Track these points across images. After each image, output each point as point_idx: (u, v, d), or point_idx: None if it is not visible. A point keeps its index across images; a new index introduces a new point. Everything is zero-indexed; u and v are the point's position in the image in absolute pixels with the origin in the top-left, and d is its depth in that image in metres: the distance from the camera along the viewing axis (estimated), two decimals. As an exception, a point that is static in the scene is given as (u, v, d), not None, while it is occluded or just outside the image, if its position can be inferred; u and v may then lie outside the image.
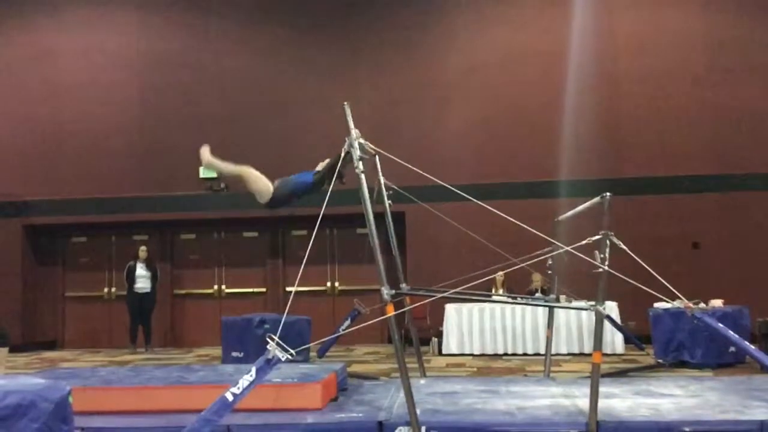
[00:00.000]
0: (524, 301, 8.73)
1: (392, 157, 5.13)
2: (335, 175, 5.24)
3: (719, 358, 8.06)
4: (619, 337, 9.69)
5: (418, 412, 4.43)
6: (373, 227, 4.73)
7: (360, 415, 4.88)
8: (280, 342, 3.97)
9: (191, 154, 12.35)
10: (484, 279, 5.74)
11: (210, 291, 13.17)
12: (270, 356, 3.96)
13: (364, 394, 5.79)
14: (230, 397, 3.82)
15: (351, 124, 5.00)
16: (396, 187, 6.68)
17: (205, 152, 5.53)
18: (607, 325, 8.73)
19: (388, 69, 12.50)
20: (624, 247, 4.95)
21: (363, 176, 4.82)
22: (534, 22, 12.30)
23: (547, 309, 8.23)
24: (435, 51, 12.43)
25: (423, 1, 12.54)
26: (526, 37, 12.25)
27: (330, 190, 5.04)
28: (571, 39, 11.85)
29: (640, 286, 4.88)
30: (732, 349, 7.95)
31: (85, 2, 13.21)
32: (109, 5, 13.16)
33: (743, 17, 11.91)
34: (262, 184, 5.48)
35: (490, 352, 10.05)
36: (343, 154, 4.98)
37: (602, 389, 4.61)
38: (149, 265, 12.18)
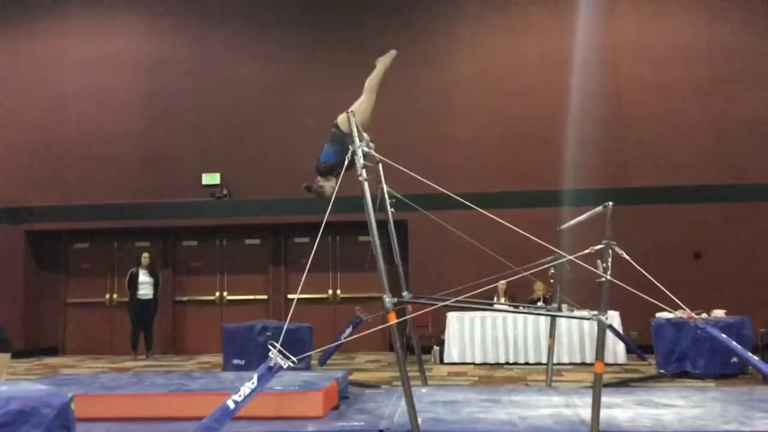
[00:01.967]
0: (526, 309, 8.72)
1: (395, 165, 5.14)
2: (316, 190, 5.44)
3: (722, 369, 8.03)
4: (621, 347, 9.66)
5: (419, 420, 4.42)
6: (376, 235, 4.73)
7: (361, 423, 4.87)
8: (282, 349, 3.97)
9: (195, 161, 12.63)
10: (486, 287, 5.74)
11: (211, 298, 13.17)
12: (271, 363, 3.96)
13: (366, 402, 5.79)
14: (231, 405, 3.82)
15: (356, 132, 5.02)
16: (399, 195, 6.70)
17: (393, 55, 5.80)
18: (609, 335, 8.71)
19: (393, 76, 12.39)
20: (626, 257, 4.95)
21: (366, 184, 4.83)
22: (538, 31, 12.33)
23: (549, 318, 8.22)
24: (439, 59, 12.46)
25: (427, 10, 12.57)
26: (530, 45, 12.27)
27: (333, 198, 5.07)
28: (575, 48, 11.87)
29: (642, 295, 4.87)
30: (734, 359, 7.92)
31: (91, 10, 13.27)
32: (114, 13, 13.22)
33: (747, 27, 11.92)
34: (365, 109, 5.56)
35: (491, 360, 10.02)
36: (346, 162, 5.01)
37: (604, 399, 4.60)
38: (151, 271, 12.18)
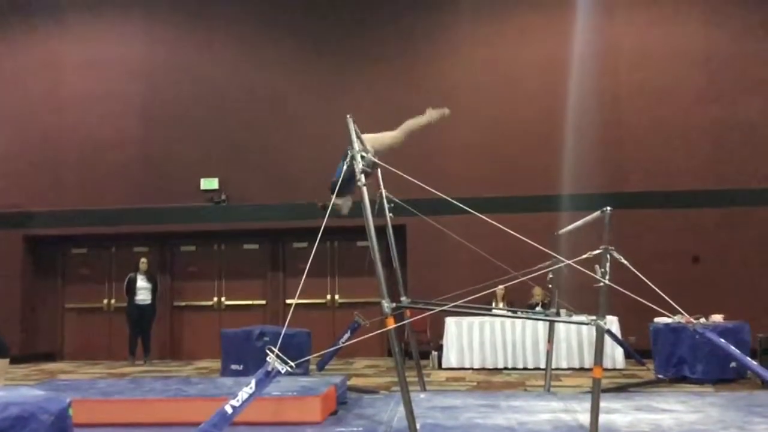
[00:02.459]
0: (524, 314, 8.72)
1: (394, 170, 5.14)
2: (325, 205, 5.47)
3: (720, 374, 8.03)
4: (619, 352, 9.65)
5: (418, 426, 4.42)
6: (374, 240, 4.73)
7: (359, 429, 4.87)
8: (280, 354, 3.96)
9: (193, 166, 12.63)
10: (484, 292, 5.74)
11: (210, 303, 13.15)
12: (269, 369, 3.95)
13: (364, 407, 5.79)
14: (229, 410, 3.81)
15: (354, 137, 5.03)
16: (397, 200, 6.70)
17: (444, 113, 6.01)
18: (608, 340, 8.70)
19: (391, 82, 12.53)
20: (625, 262, 4.96)
21: (365, 189, 4.84)
22: (536, 38, 12.35)
23: (547, 323, 8.21)
24: (437, 64, 12.47)
25: (426, 16, 12.60)
26: (528, 51, 12.29)
27: (331, 204, 5.07)
28: (572, 54, 11.90)
29: (640, 300, 4.87)
30: (733, 364, 7.92)
31: (91, 13, 13.27)
32: (114, 17, 13.23)
33: (745, 33, 11.96)
34: (388, 143, 5.80)
35: (490, 366, 10.01)
36: (345, 167, 5.01)
37: (603, 404, 4.60)
38: (150, 276, 12.17)
